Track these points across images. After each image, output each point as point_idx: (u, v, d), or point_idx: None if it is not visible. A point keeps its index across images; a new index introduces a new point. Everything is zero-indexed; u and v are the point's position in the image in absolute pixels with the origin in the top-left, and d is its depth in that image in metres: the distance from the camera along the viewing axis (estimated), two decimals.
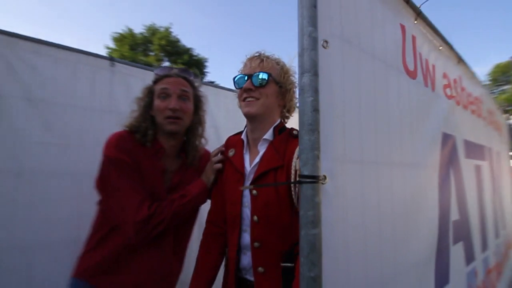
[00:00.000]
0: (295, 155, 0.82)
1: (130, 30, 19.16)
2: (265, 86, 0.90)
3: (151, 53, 19.58)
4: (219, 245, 0.98)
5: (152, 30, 19.98)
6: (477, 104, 1.53)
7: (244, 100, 0.92)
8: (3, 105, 1.09)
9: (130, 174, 0.90)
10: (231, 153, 1.00)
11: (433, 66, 1.08)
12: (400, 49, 0.87)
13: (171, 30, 20.56)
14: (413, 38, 0.96)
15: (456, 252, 1.06)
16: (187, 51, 20.71)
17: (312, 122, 0.53)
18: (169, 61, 19.42)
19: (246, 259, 0.90)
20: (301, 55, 0.55)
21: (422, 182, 0.89)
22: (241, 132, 1.02)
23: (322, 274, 0.50)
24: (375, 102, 0.74)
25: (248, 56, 0.97)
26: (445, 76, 1.17)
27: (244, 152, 0.96)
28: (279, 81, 0.92)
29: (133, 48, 19.04)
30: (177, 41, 20.44)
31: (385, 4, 0.83)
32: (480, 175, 1.46)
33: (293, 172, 0.81)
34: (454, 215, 1.09)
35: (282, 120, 0.97)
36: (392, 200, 0.75)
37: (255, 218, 0.87)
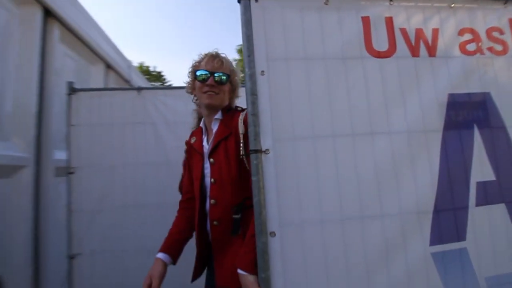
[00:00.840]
0: (240, 121, 1.06)
1: None
2: (224, 84, 1.14)
3: None
4: (189, 213, 1.24)
5: None
6: None
7: (205, 92, 1.13)
8: (155, 126, 2.06)
9: None
10: (192, 140, 1.26)
11: (436, 30, 1.09)
12: (361, 37, 1.03)
13: None
14: (388, 19, 1.06)
15: (483, 212, 1.02)
16: None
17: (254, 112, 0.92)
18: None
19: (211, 214, 1.14)
20: (247, 81, 0.95)
21: (402, 148, 1.01)
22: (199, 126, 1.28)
23: (276, 231, 0.87)
24: (329, 91, 1.00)
25: (207, 53, 1.18)
26: (463, 32, 1.11)
27: (203, 136, 1.22)
28: (232, 80, 1.19)
29: None
30: None
31: (340, 10, 1.04)
32: None
33: (241, 134, 1.03)
34: (480, 176, 1.05)
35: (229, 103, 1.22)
36: (355, 168, 0.98)
37: (212, 180, 1.11)
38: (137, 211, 1.95)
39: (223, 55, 1.20)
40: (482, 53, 1.12)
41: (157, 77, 21.64)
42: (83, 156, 1.96)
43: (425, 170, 1.01)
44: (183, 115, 1.93)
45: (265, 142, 0.92)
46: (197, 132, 1.27)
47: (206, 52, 1.20)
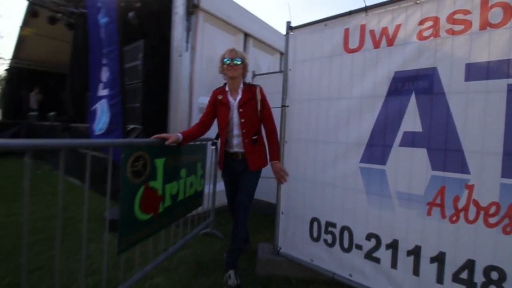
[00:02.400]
0: (258, 92, 1.96)
1: None
2: (238, 65, 1.93)
3: None
4: (205, 127, 2.03)
5: None
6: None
7: (229, 70, 1.92)
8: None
9: None
10: (220, 97, 2.00)
11: (398, 26, 1.58)
12: (342, 42, 1.79)
13: None
14: (362, 26, 1.71)
15: (405, 151, 1.49)
16: None
17: (284, 88, 2.10)
18: None
19: (235, 141, 1.97)
20: (284, 72, 2.10)
21: (356, 106, 1.73)
22: (221, 86, 2.05)
23: (288, 140, 2.09)
24: (321, 74, 1.91)
25: (228, 49, 1.98)
26: (424, 22, 1.48)
27: (228, 95, 2.00)
28: (243, 62, 1.97)
29: None
30: None
31: (333, 27, 1.84)
32: None
33: (258, 99, 1.96)
34: (409, 127, 1.50)
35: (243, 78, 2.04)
36: (327, 116, 1.88)
37: (243, 120, 1.93)
38: None
39: (238, 50, 2.02)
40: (437, 35, 1.45)
41: None
42: None
43: (368, 120, 1.69)
44: None
45: (287, 102, 2.09)
46: (221, 92, 2.03)
47: (228, 49, 2.01)
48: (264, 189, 2.69)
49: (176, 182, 1.99)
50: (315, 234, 1.94)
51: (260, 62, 4.12)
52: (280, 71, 3.22)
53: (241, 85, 2.02)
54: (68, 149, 1.31)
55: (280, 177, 2.04)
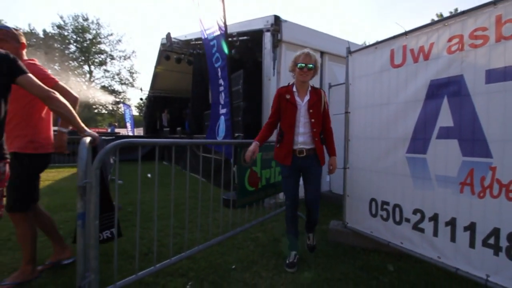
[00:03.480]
0: (323, 95, 2.19)
1: None
2: (311, 70, 2.11)
3: None
4: (273, 127, 2.27)
5: None
6: None
7: (301, 75, 2.10)
8: None
9: None
10: (288, 96, 2.14)
11: (431, 44, 2.01)
12: (389, 60, 2.29)
13: None
14: (404, 46, 2.19)
15: (441, 142, 1.86)
16: None
17: (346, 99, 2.72)
18: None
19: (301, 138, 2.14)
20: (346, 86, 2.72)
21: (400, 109, 2.19)
22: (286, 86, 2.21)
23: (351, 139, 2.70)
24: (374, 87, 2.45)
25: (302, 52, 2.11)
26: (451, 39, 1.88)
27: (296, 96, 2.15)
28: (315, 68, 2.13)
29: None
30: None
31: (382, 49, 2.37)
32: None
33: (323, 101, 2.18)
34: (444, 123, 1.88)
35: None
36: (380, 116, 2.40)
37: (313, 120, 2.13)
38: None
39: (312, 53, 2.13)
40: (462, 49, 1.83)
41: None
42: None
43: (411, 119, 2.15)
44: None
45: (349, 108, 2.71)
46: (288, 92, 2.17)
47: (303, 51, 2.13)
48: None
49: (268, 170, 2.91)
50: (373, 211, 2.46)
51: (336, 74, 4.70)
52: None
53: (309, 87, 2.22)
54: (202, 145, 2.40)
55: (334, 169, 2.35)
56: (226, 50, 4.10)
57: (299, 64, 2.08)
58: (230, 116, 4.20)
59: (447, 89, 1.92)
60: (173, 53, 8.83)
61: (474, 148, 1.77)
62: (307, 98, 2.16)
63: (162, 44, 8.98)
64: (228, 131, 4.22)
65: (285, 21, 4.03)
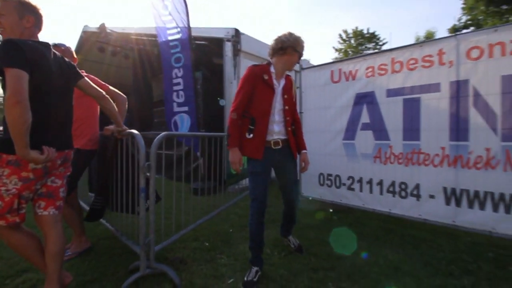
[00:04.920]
0: (293, 82, 2.08)
1: None
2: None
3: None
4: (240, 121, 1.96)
5: None
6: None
7: (293, 63, 1.96)
8: None
9: None
10: (265, 77, 1.87)
11: (356, 70, 3.14)
12: (330, 77, 3.36)
13: None
14: (339, 69, 3.28)
15: (362, 133, 3.04)
16: None
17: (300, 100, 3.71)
18: None
19: (277, 128, 1.94)
20: (300, 91, 3.69)
21: (338, 113, 3.29)
22: (260, 65, 1.94)
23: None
24: (319, 98, 3.49)
25: (295, 37, 1.90)
26: (367, 68, 3.03)
27: (273, 78, 1.94)
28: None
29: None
30: None
31: (324, 69, 3.42)
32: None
33: (293, 90, 2.09)
34: (363, 120, 3.05)
35: None
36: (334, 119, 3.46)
37: (287, 107, 1.97)
38: None
39: (304, 40, 1.95)
40: (374, 75, 3.01)
41: (370, 38, 22.45)
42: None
43: (345, 118, 3.26)
44: None
45: (302, 109, 3.69)
46: (266, 72, 1.90)
47: (292, 33, 1.89)
48: None
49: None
50: (321, 182, 3.51)
51: None
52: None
53: (285, 73, 2.04)
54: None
55: (307, 166, 2.17)
56: (190, 52, 4.57)
57: (300, 51, 1.91)
58: (195, 113, 4.70)
59: (366, 99, 3.08)
60: (108, 45, 8.34)
61: (381, 135, 2.97)
62: (283, 82, 1.97)
63: (94, 34, 8.35)
64: (194, 127, 4.71)
65: (243, 34, 4.78)
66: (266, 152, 1.91)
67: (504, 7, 14.73)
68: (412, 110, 2.76)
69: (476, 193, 2.38)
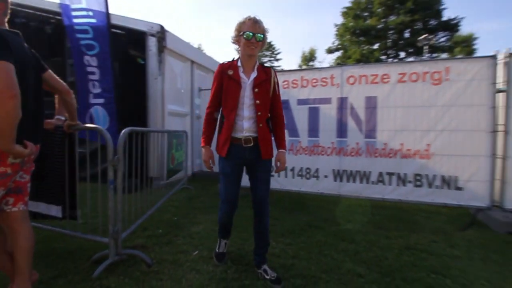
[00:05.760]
0: (273, 75, 1.84)
1: None
2: (260, 41, 1.73)
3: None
4: (215, 119, 1.92)
5: None
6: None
7: (248, 46, 1.71)
8: None
9: None
10: (230, 72, 1.77)
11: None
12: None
13: None
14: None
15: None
16: None
17: None
18: (392, 15, 19.16)
19: (246, 124, 1.79)
20: None
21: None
22: (230, 61, 1.85)
23: None
24: None
25: (249, 18, 1.72)
26: (285, 81, 3.92)
27: (240, 72, 1.79)
28: (265, 38, 1.76)
29: (357, 16, 20.78)
30: None
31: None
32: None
33: (272, 82, 1.84)
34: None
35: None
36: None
37: (258, 101, 1.77)
38: None
39: (259, 19, 1.75)
40: (288, 87, 3.92)
41: (267, 47, 25.50)
42: None
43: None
44: None
45: None
46: (232, 67, 1.81)
47: (249, 17, 1.75)
48: None
49: (179, 152, 3.87)
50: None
51: (202, 79, 6.07)
52: None
53: (257, 63, 1.84)
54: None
55: (283, 166, 1.92)
56: (109, 40, 4.29)
57: (246, 33, 1.70)
58: (115, 107, 4.44)
59: (283, 105, 3.96)
60: None
61: (293, 133, 3.91)
62: (254, 75, 1.81)
63: None
64: (113, 121, 4.45)
65: (168, 31, 4.85)
66: (236, 150, 1.82)
67: (362, 38, 19.93)
68: (314, 115, 3.82)
69: (351, 172, 3.62)
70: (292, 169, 3.93)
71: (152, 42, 4.71)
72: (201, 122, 5.88)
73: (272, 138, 1.95)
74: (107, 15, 4.21)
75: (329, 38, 59.47)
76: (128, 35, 5.04)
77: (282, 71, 4.00)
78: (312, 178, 3.84)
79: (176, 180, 4.35)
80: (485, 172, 3.13)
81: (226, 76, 1.81)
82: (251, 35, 1.70)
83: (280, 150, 1.94)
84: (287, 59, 56.86)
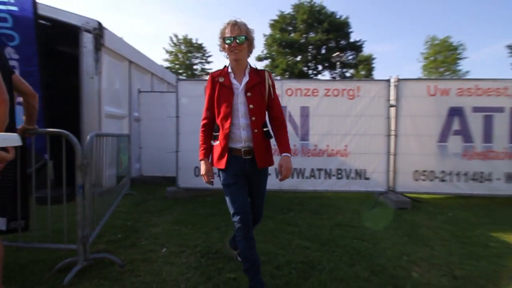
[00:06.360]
0: (267, 77, 1.74)
1: (282, 12, 23.04)
2: (243, 44, 1.63)
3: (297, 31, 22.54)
4: (211, 127, 1.81)
5: (298, 7, 22.76)
6: None
7: (232, 51, 1.64)
8: None
9: None
10: (221, 79, 1.70)
11: None
12: (204, 89, 4.32)
13: (314, 1, 22.28)
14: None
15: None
16: (329, 17, 22.07)
17: None
18: (312, 32, 21.99)
19: (245, 133, 1.68)
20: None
21: None
22: (220, 70, 1.77)
23: None
24: (195, 105, 4.34)
25: (228, 22, 1.66)
26: None
27: (232, 78, 1.71)
28: (249, 38, 1.66)
29: (283, 29, 22.88)
30: (322, 9, 22.18)
31: (199, 83, 4.31)
32: None
33: (267, 85, 1.72)
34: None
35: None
36: None
37: (251, 106, 1.67)
38: None
39: (240, 21, 1.68)
40: None
41: (198, 48, 25.46)
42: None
43: None
44: None
45: (179, 114, 4.35)
46: (222, 74, 1.74)
47: (227, 21, 1.69)
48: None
49: (125, 156, 3.77)
50: (197, 173, 4.37)
51: (141, 81, 5.86)
52: (168, 91, 5.33)
53: (248, 67, 1.77)
54: None
55: (288, 172, 1.72)
56: (35, 32, 3.85)
57: (227, 40, 1.66)
58: (42, 106, 3.97)
59: None
60: None
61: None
62: (245, 79, 1.73)
63: None
64: (41, 123, 3.97)
65: (106, 28, 4.58)
66: (235, 162, 1.71)
67: (287, 50, 21.93)
68: None
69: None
70: None
71: (87, 39, 4.38)
72: (140, 125, 5.73)
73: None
74: (34, 3, 3.78)
75: (259, 45, 62.56)
76: (60, 29, 4.52)
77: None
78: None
79: (120, 186, 4.17)
80: (383, 165, 4.20)
81: (217, 84, 1.74)
82: (231, 39, 1.64)
83: (284, 154, 1.74)
84: (221, 63, 57.31)
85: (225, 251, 2.35)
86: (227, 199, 1.75)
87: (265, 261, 2.21)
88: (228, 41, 1.65)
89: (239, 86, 1.72)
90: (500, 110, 4.10)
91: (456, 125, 4.14)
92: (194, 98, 4.36)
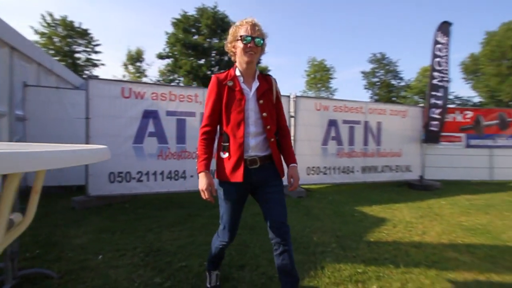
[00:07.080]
0: (274, 83, 1.65)
1: (185, 13, 22.43)
2: (260, 47, 1.53)
3: (201, 33, 22.71)
4: (214, 139, 1.61)
5: (201, 11, 22.68)
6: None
7: (247, 52, 1.51)
8: None
9: None
10: (230, 83, 1.55)
11: (144, 92, 4.27)
12: (120, 92, 4.16)
13: (218, 9, 22.87)
14: (130, 88, 4.20)
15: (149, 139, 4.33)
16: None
17: None
18: (215, 38, 22.72)
19: (253, 142, 1.54)
20: None
21: (129, 122, 4.21)
22: (225, 71, 1.62)
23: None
24: (110, 107, 4.10)
25: (246, 21, 1.53)
26: (152, 93, 4.33)
27: (241, 82, 1.58)
28: (264, 44, 1.57)
29: (187, 30, 22.38)
30: (225, 17, 23.16)
31: (115, 84, 4.12)
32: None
33: (274, 92, 1.64)
34: (150, 129, 4.34)
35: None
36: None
37: (264, 114, 1.56)
38: None
39: (260, 24, 1.55)
40: (157, 99, 4.38)
41: (82, 34, 21.81)
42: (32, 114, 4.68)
43: (135, 126, 4.24)
44: None
45: (90, 115, 4.00)
46: (230, 77, 1.59)
47: (246, 19, 1.55)
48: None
49: None
50: (112, 179, 4.12)
51: (25, 72, 4.85)
52: (67, 88, 4.65)
53: (257, 72, 1.65)
54: None
55: (297, 183, 1.66)
56: None
57: (246, 38, 1.51)
58: None
59: (152, 115, 4.33)
60: None
61: (162, 140, 4.39)
62: (256, 85, 1.62)
63: None
64: None
65: None
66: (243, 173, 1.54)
67: (191, 51, 21.57)
68: (181, 125, 4.52)
69: None
70: (162, 173, 4.39)
71: None
72: (25, 125, 4.76)
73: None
74: None
75: (159, 42, 58.17)
76: None
77: (150, 84, 4.35)
78: (180, 179, 4.50)
79: None
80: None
81: (225, 88, 1.57)
82: (249, 39, 1.49)
83: (292, 165, 1.66)
84: (110, 54, 49.97)
85: (169, 248, 2.55)
86: (222, 211, 1.68)
87: (207, 250, 2.56)
88: (246, 40, 1.50)
89: (249, 91, 1.59)
90: (357, 123, 5.86)
91: (333, 132, 5.64)
92: (108, 99, 4.13)
